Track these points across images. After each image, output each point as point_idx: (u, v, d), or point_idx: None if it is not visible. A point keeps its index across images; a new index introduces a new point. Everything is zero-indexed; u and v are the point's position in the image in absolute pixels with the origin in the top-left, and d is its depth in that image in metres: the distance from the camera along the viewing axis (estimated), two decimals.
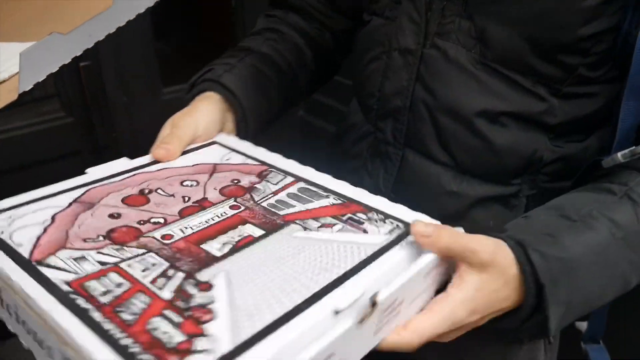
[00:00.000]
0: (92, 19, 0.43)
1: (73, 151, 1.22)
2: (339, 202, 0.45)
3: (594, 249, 0.43)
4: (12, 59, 0.43)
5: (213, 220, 0.42)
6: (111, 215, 0.43)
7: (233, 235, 0.40)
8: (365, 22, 0.59)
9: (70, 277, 0.35)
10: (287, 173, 0.49)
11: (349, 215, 0.43)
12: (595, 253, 0.43)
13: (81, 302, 0.33)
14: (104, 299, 0.33)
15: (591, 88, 0.50)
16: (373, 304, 0.33)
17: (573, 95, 0.50)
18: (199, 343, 0.30)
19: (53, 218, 0.43)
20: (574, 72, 0.48)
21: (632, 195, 0.46)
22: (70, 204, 0.45)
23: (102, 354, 0.29)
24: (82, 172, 0.48)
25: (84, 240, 0.40)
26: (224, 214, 0.43)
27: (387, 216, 0.43)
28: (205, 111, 0.55)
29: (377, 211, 0.43)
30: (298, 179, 0.48)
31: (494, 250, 0.39)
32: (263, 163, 0.51)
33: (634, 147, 0.46)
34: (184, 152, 0.52)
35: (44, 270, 0.36)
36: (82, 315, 0.32)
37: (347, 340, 0.33)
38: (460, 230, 0.40)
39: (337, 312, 0.33)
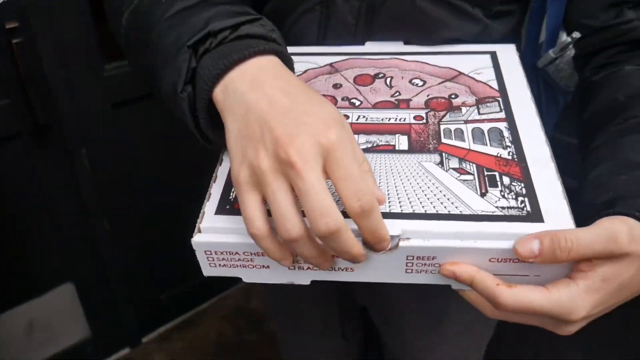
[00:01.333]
0: None
1: (12, 134, 1.16)
2: (508, 157, 0.43)
3: None
4: None
5: (388, 120, 0.47)
6: (334, 85, 0.52)
7: (382, 139, 0.45)
8: None
9: None
10: (507, 109, 0.48)
11: (494, 173, 0.41)
12: None
13: None
14: None
15: (514, 6, 0.56)
16: (395, 245, 0.36)
17: (502, 13, 0.56)
18: None
19: (305, 72, 0.53)
20: None
21: None
22: (324, 65, 0.54)
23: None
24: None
25: None
26: (401, 120, 0.47)
27: (529, 196, 0.39)
28: None
29: (528, 186, 0.40)
30: (508, 119, 0.46)
31: (630, 236, 0.35)
32: (500, 90, 0.50)
33: (559, 42, 0.55)
34: (453, 53, 0.55)
35: None
36: None
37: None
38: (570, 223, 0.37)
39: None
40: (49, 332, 1.41)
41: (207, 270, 0.41)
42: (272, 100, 0.35)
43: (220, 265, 0.40)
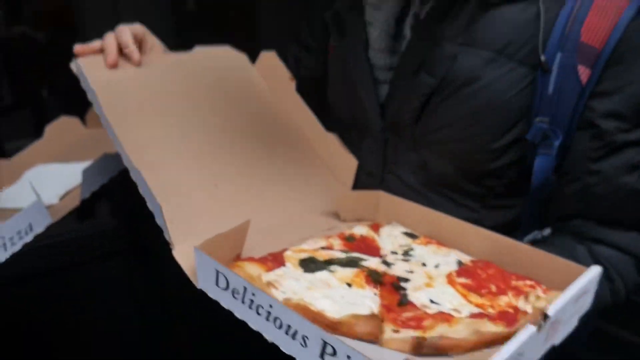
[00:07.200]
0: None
1: None
2: None
3: None
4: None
5: None
6: None
7: None
8: None
9: None
10: None
11: None
12: None
13: None
14: None
15: (508, 201, 0.66)
16: (545, 316, 0.44)
17: (495, 206, 0.66)
18: None
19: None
20: (493, 190, 0.65)
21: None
22: None
23: None
24: None
25: None
26: None
27: None
28: None
29: None
30: None
31: None
32: None
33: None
34: None
35: None
36: None
37: (531, 345, 0.43)
38: None
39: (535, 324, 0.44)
40: None
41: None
42: None
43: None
